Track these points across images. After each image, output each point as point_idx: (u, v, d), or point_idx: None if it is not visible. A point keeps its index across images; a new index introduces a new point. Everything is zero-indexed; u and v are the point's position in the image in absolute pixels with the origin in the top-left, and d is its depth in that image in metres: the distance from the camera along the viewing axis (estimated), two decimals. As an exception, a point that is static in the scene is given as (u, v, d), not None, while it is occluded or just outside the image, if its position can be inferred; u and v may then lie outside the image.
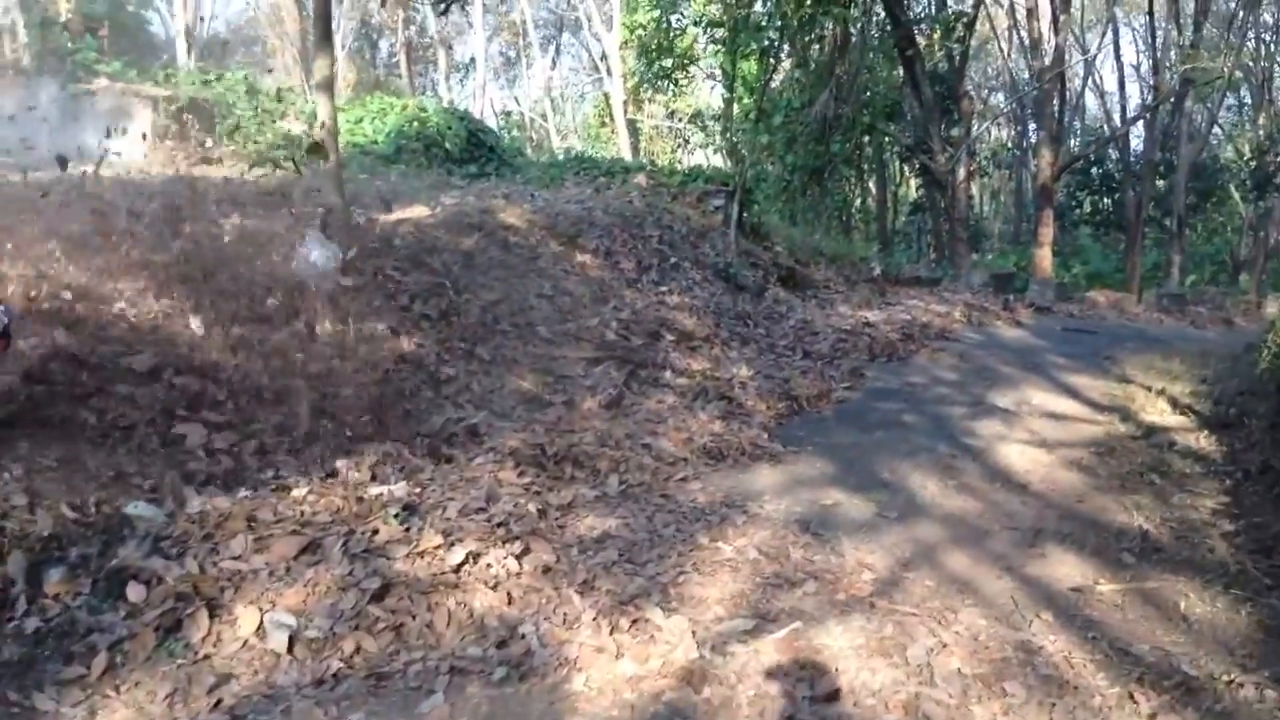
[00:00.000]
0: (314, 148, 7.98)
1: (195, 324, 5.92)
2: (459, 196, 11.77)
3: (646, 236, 12.03)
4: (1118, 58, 30.10)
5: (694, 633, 4.06)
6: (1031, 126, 30.75)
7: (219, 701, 3.42)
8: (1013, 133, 36.60)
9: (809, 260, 15.43)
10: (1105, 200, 30.29)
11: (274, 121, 15.04)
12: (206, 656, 3.71)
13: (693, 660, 3.86)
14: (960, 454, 6.81)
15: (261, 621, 3.84)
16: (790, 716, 3.57)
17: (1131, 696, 3.74)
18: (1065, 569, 4.92)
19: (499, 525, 4.67)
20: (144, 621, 3.80)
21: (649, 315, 9.64)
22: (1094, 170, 29.80)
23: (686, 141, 29.64)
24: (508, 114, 38.09)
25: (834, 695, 3.76)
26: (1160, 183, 27.85)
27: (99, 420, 4.94)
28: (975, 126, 27.44)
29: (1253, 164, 28.97)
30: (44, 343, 5.21)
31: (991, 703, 3.69)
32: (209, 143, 14.02)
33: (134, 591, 3.97)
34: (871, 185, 29.43)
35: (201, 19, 28.86)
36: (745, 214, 14.48)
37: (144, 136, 13.47)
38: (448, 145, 15.98)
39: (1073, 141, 32.65)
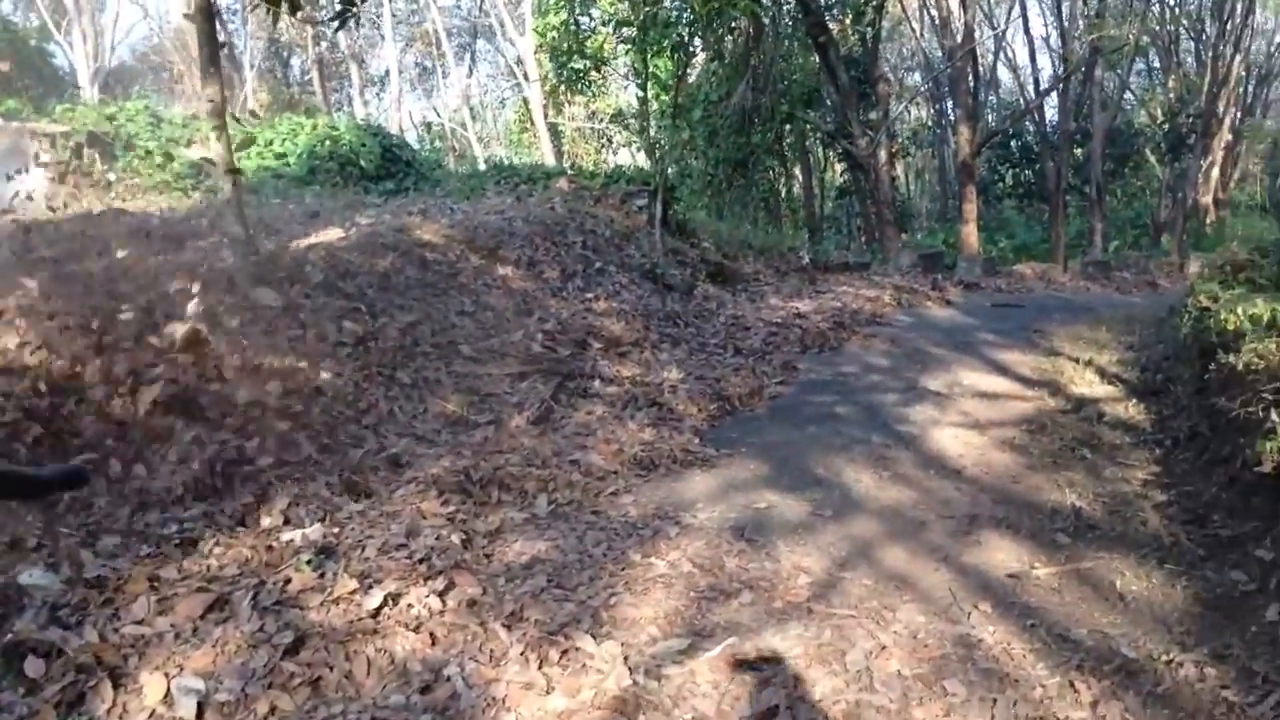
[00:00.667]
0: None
1: (92, 372, 5.65)
2: (375, 216, 11.51)
3: (570, 243, 11.87)
4: (1027, 31, 30.48)
5: (627, 658, 3.93)
6: (949, 104, 31.10)
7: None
8: (931, 111, 37.01)
9: (737, 254, 15.36)
10: (1026, 172, 30.79)
11: (183, 148, 14.63)
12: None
13: (625, 688, 3.72)
14: (894, 443, 6.75)
15: (169, 688, 3.62)
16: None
17: (1072, 685, 3.68)
18: (1002, 555, 4.87)
19: (420, 561, 4.50)
20: (44, 698, 3.55)
21: (575, 324, 9.49)
22: (1013, 143, 30.26)
23: (610, 141, 29.52)
24: (428, 125, 37.68)
25: (773, 711, 3.65)
26: (1078, 151, 28.34)
27: (-10, 484, 4.67)
28: (893, 108, 27.67)
29: (1165, 127, 29.60)
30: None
31: (933, 704, 3.61)
32: (112, 176, 13.59)
33: (32, 666, 3.72)
34: (797, 173, 29.55)
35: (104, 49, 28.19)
36: (670, 212, 14.37)
37: (44, 175, 13.05)
38: (362, 163, 15.66)
39: (990, 116, 33.09)
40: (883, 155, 21.55)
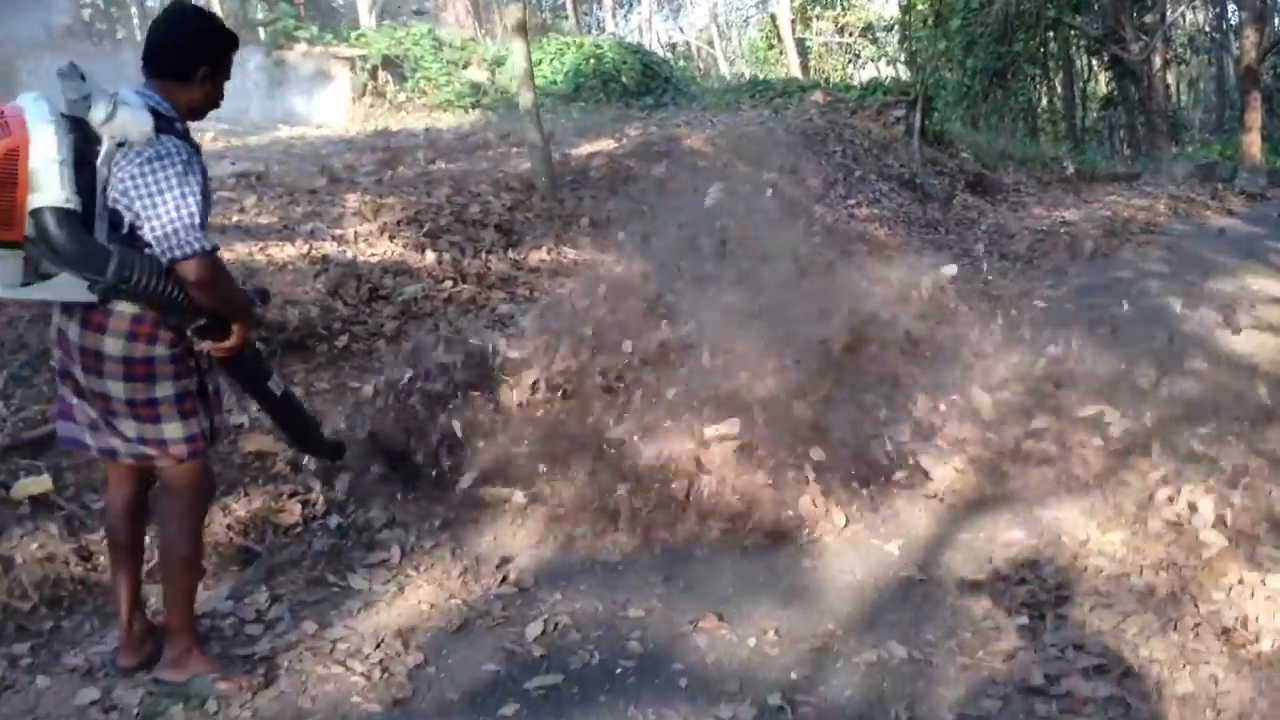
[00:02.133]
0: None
1: (429, 259, 6.41)
2: (641, 127, 12.03)
3: (829, 152, 12.03)
4: (1328, -78, 27.44)
5: (927, 516, 4.28)
6: (1231, 8, 28.62)
7: (505, 577, 3.85)
8: (1210, 15, 34.08)
9: (997, 164, 15.02)
10: (1320, 79, 27.97)
11: (460, 70, 15.62)
12: (494, 538, 4.17)
13: (927, 541, 4.09)
14: (1178, 341, 6.66)
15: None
16: (1032, 593, 3.73)
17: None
18: (1302, 449, 4.83)
19: (715, 413, 4.93)
20: (430, 511, 4.30)
21: (840, 229, 9.70)
22: (1304, 48, 27.49)
23: (857, 56, 28.93)
24: (673, 45, 38.02)
25: (1070, 564, 3.91)
26: (1385, 56, 25.48)
27: (359, 349, 5.47)
28: (1170, 11, 25.72)
29: None
30: (306, 283, 5.78)
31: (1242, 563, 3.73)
32: (402, 96, 14.73)
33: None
34: (1057, 84, 28.06)
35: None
36: (927, 122, 14.20)
37: (345, 94, 14.35)
38: (624, 79, 16.22)
39: (1278, 20, 30.13)
40: (1157, 61, 20.20)
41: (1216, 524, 4.00)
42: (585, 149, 10.12)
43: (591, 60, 16.29)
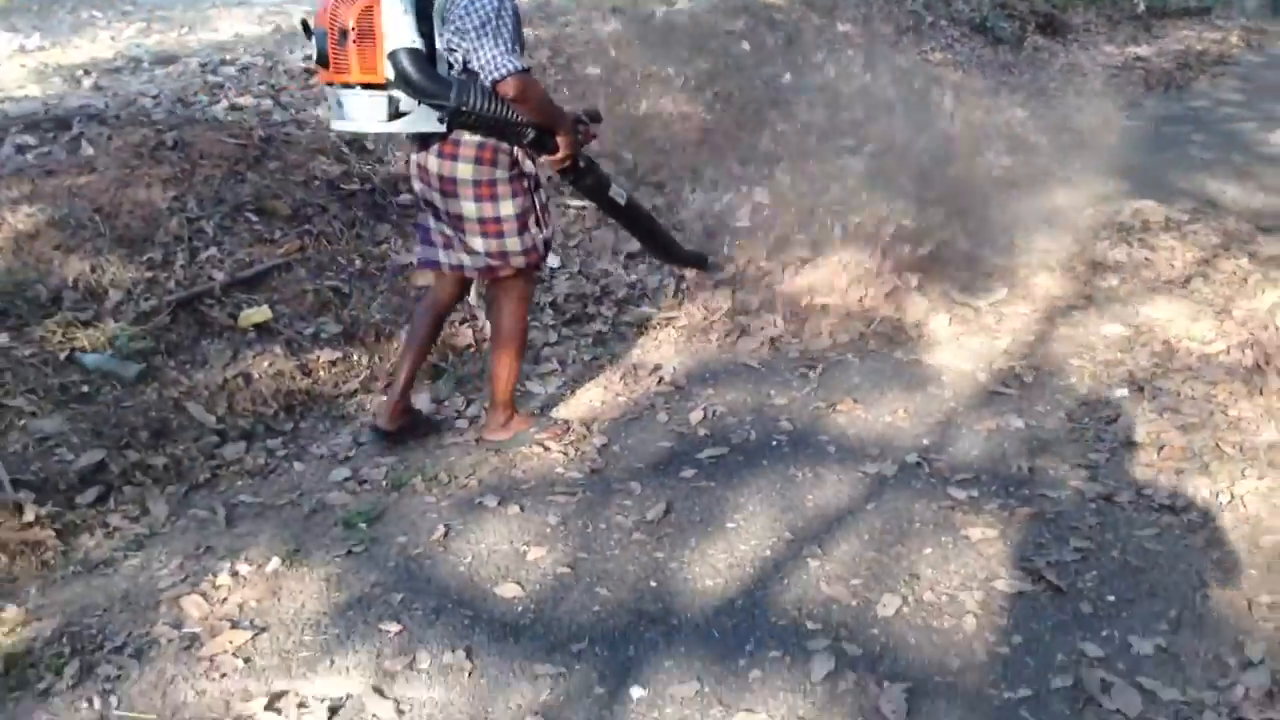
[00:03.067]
0: None
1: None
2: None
3: (899, 0, 12.11)
4: None
5: (1028, 318, 4.77)
6: None
7: (661, 378, 4.41)
8: None
9: (1065, 5, 14.90)
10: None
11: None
12: (641, 351, 4.75)
13: (1030, 337, 4.59)
14: (1257, 161, 6.97)
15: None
16: (1130, 371, 4.23)
17: None
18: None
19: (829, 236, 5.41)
20: (582, 332, 4.88)
21: (916, 74, 9.91)
22: None
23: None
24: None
25: (1163, 348, 4.40)
26: None
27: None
28: None
29: None
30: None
31: None
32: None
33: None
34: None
35: None
36: (995, -36, 14.12)
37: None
38: (686, -62, 16.16)
39: None
40: (1228, -112, 19.54)
41: (1295, 312, 4.46)
42: (663, 8, 10.35)
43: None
